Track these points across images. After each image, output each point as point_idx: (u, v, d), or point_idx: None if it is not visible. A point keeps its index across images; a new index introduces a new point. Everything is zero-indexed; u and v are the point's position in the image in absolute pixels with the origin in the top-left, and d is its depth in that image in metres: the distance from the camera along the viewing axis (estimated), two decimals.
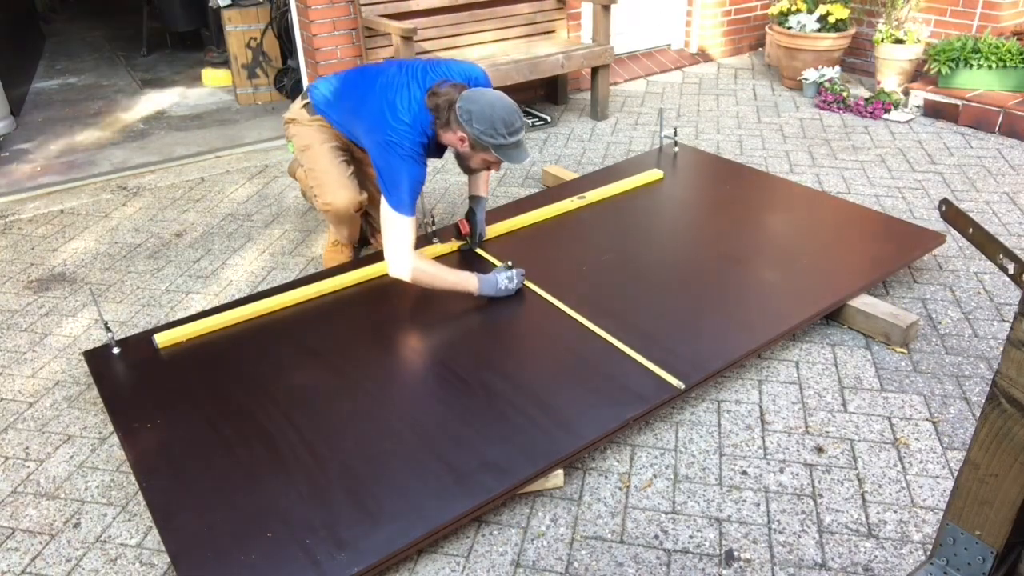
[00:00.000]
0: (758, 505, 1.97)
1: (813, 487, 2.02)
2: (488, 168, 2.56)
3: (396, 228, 2.42)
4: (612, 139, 4.31)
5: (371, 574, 1.71)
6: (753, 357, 2.44)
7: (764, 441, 2.17)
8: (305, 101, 2.80)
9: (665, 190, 3.34)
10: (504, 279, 2.56)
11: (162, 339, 2.42)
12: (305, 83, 4.48)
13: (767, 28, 5.16)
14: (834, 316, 2.62)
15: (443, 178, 3.87)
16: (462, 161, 2.53)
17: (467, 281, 2.53)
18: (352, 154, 2.88)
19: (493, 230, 2.96)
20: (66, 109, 5.02)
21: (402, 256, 2.46)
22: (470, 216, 2.85)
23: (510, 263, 2.65)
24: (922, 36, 4.53)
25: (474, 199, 2.86)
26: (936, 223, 3.25)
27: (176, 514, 1.84)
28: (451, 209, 3.55)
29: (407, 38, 3.73)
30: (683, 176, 3.49)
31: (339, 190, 2.77)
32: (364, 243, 3.18)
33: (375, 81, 2.54)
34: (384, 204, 2.43)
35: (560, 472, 2.01)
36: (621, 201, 3.24)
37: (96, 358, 2.41)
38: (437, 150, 2.54)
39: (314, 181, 2.81)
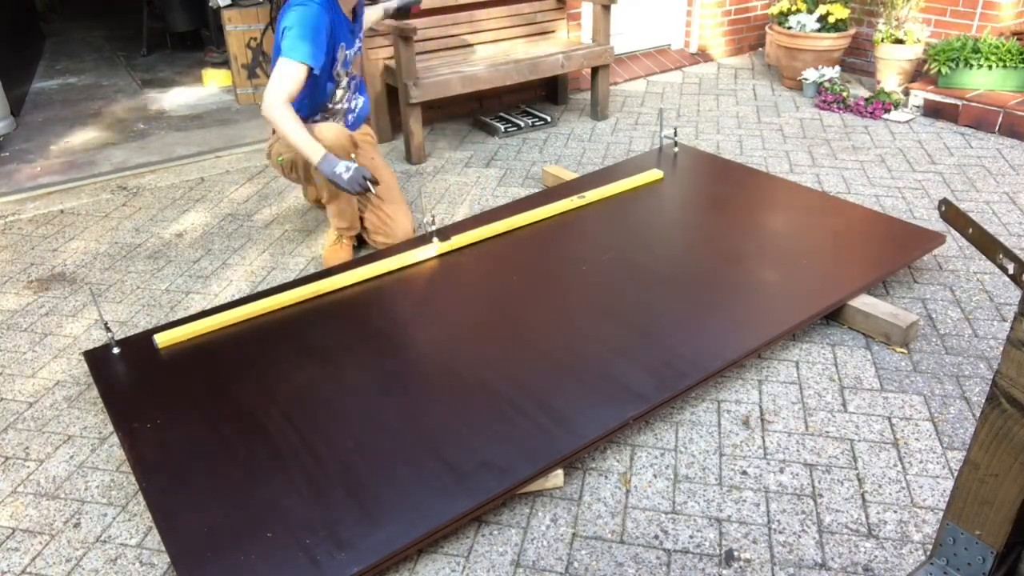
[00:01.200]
0: (758, 505, 1.97)
1: (813, 487, 2.02)
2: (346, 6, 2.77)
3: (282, 69, 2.60)
4: (612, 139, 4.31)
5: (371, 574, 1.71)
6: (753, 357, 2.44)
7: (764, 441, 2.17)
8: None
9: (665, 190, 3.34)
10: (342, 167, 2.63)
11: (162, 339, 2.42)
12: None
13: (767, 28, 5.16)
14: (834, 316, 2.62)
15: (443, 178, 3.88)
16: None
17: (314, 152, 2.63)
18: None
19: (492, 229, 2.96)
20: (66, 109, 5.02)
21: (276, 97, 2.59)
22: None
23: (352, 159, 2.85)
24: (922, 36, 4.54)
25: None
26: (936, 223, 3.25)
27: (176, 514, 1.84)
28: (451, 209, 3.55)
29: (407, 38, 3.73)
30: (683, 176, 3.49)
31: (325, 131, 2.74)
32: (363, 243, 3.18)
33: None
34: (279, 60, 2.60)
35: (560, 472, 2.01)
36: (621, 201, 3.24)
37: (96, 358, 2.41)
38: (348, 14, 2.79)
39: (300, 140, 2.70)
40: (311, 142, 2.62)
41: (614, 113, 4.69)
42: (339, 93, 2.96)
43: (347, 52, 2.88)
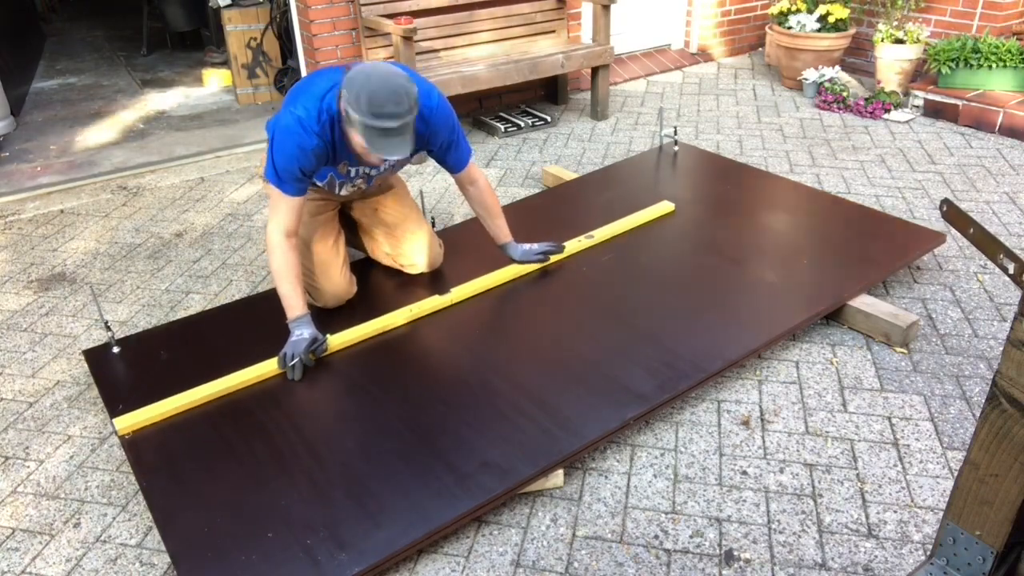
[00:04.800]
0: (758, 505, 1.97)
1: (813, 487, 2.02)
2: (367, 158, 2.26)
3: (273, 199, 2.28)
4: (612, 139, 4.31)
5: (372, 574, 1.71)
6: (753, 357, 2.44)
7: (764, 441, 2.17)
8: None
9: (665, 190, 3.33)
10: (297, 336, 2.29)
11: (121, 424, 2.13)
12: None
13: (767, 28, 5.16)
14: (834, 316, 2.62)
15: (443, 178, 3.87)
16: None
17: (289, 308, 2.31)
18: (340, 211, 2.67)
19: (496, 279, 2.71)
20: (66, 109, 5.02)
21: (274, 228, 2.28)
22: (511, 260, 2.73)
23: (546, 250, 2.73)
24: (922, 36, 4.53)
25: (503, 247, 2.70)
26: (936, 223, 3.25)
27: (176, 514, 1.84)
28: (451, 209, 3.55)
29: (407, 38, 3.73)
30: (683, 175, 3.49)
31: (329, 281, 2.53)
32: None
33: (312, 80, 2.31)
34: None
35: (560, 472, 2.01)
36: (621, 200, 3.24)
37: (96, 357, 2.41)
38: (342, 146, 2.29)
39: (281, 289, 2.37)
40: (292, 296, 2.30)
41: (614, 113, 4.69)
42: (350, 188, 2.55)
43: (357, 168, 2.44)
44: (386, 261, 2.79)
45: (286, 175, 2.22)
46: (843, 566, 1.80)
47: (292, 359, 2.26)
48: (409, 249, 2.72)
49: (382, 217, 2.71)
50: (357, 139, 2.16)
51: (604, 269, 2.76)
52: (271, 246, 2.29)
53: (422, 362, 2.36)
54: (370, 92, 2.04)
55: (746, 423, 2.23)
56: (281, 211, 2.27)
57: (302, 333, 2.30)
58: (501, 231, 2.67)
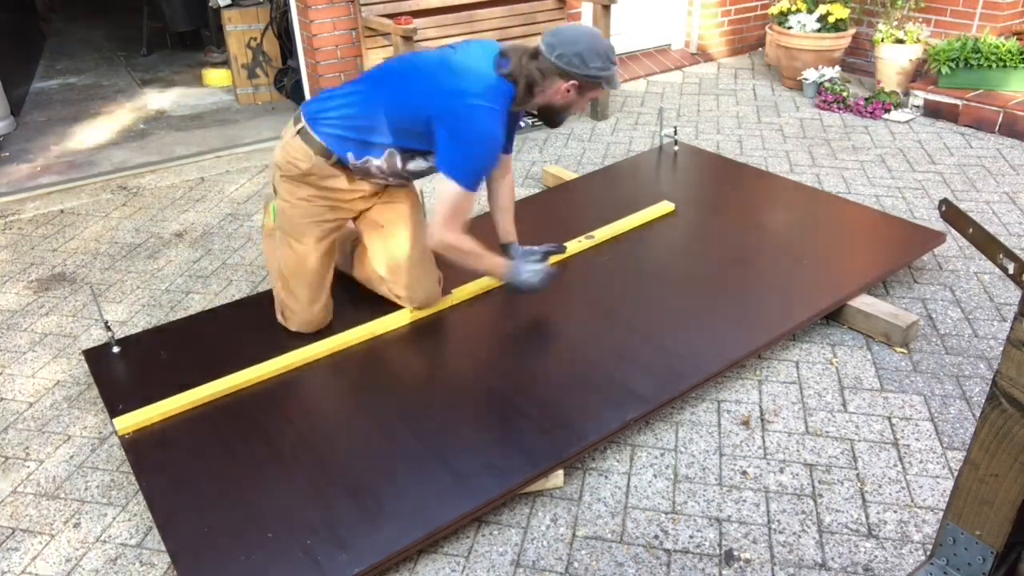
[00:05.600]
0: (758, 505, 1.97)
1: (813, 487, 2.02)
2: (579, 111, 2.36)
3: (454, 201, 2.18)
4: (612, 139, 4.31)
5: (371, 574, 1.71)
6: (753, 357, 2.43)
7: (764, 441, 2.17)
8: (299, 127, 2.27)
9: (665, 190, 3.33)
10: (527, 272, 2.41)
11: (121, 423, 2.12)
12: (305, 83, 4.48)
13: (767, 28, 5.16)
14: (834, 316, 2.62)
15: None
16: (556, 115, 2.30)
17: (496, 268, 2.40)
18: (338, 222, 2.42)
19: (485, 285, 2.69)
20: (66, 109, 5.01)
21: (447, 229, 2.22)
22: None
23: (547, 251, 2.63)
24: (922, 36, 4.53)
25: (506, 247, 2.61)
26: (936, 223, 3.25)
27: (176, 514, 1.84)
28: None
29: (407, 38, 3.73)
30: (683, 175, 3.49)
31: (309, 307, 2.41)
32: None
33: (413, 72, 2.22)
34: (444, 179, 2.17)
35: (560, 472, 2.01)
36: (621, 200, 3.24)
37: (96, 357, 2.41)
38: (510, 125, 2.30)
39: (283, 287, 2.40)
40: (492, 263, 2.38)
41: (614, 113, 4.69)
42: (381, 180, 2.39)
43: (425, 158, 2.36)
44: (381, 289, 2.55)
45: (493, 153, 2.22)
46: (843, 566, 1.80)
47: (537, 276, 2.40)
48: (408, 280, 2.47)
49: (383, 226, 2.46)
50: (590, 97, 2.26)
51: (604, 269, 2.76)
52: (455, 245, 2.24)
53: (423, 363, 2.36)
54: (603, 48, 2.15)
55: (746, 423, 2.23)
56: (464, 211, 2.21)
57: (524, 266, 2.41)
58: (510, 229, 2.64)
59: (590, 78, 2.16)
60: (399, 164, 2.27)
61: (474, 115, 2.12)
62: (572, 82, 2.16)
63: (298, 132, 2.27)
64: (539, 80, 2.16)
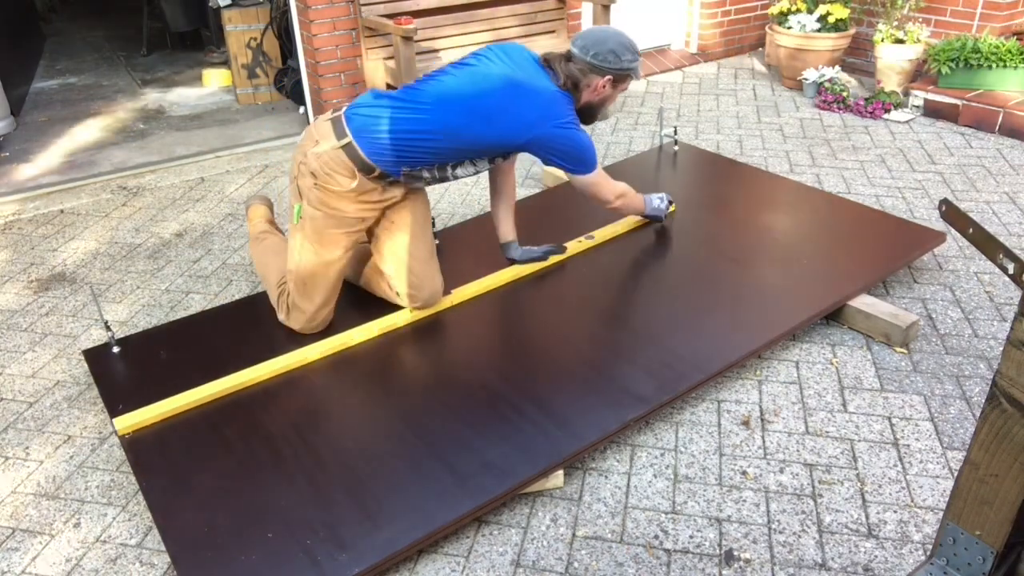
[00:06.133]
0: (758, 505, 1.97)
1: (813, 487, 2.02)
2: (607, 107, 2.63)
3: (601, 183, 2.55)
4: (612, 139, 4.31)
5: (371, 574, 1.71)
6: (753, 357, 2.44)
7: (764, 441, 2.17)
8: (345, 142, 2.22)
9: (665, 189, 3.33)
10: (656, 199, 2.93)
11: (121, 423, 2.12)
12: (305, 83, 4.48)
13: (767, 28, 5.16)
14: (834, 316, 2.62)
15: None
16: (596, 112, 2.54)
17: (641, 203, 2.84)
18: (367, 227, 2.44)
19: (496, 280, 2.71)
20: (66, 109, 5.02)
21: (612, 191, 2.60)
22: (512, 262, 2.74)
23: (547, 251, 2.79)
24: (922, 36, 4.53)
25: (505, 247, 2.73)
26: (936, 223, 3.25)
27: (176, 514, 1.84)
28: (451, 209, 3.55)
29: (407, 38, 3.73)
30: (683, 175, 3.49)
31: (320, 309, 2.43)
32: None
33: (488, 100, 2.26)
34: (579, 177, 2.49)
35: (560, 472, 2.01)
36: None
37: (96, 357, 2.42)
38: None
39: (298, 288, 2.40)
40: (639, 200, 2.81)
41: (614, 113, 4.69)
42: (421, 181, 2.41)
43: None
44: (380, 288, 2.58)
45: (594, 151, 2.50)
46: (843, 566, 1.80)
47: (664, 201, 2.97)
48: (411, 275, 2.47)
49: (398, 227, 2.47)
50: (621, 88, 2.48)
51: (604, 269, 2.76)
52: (622, 191, 2.64)
53: (423, 363, 2.36)
54: (620, 42, 2.37)
55: (746, 423, 2.23)
56: (604, 176, 2.56)
57: (654, 197, 2.97)
58: (511, 227, 2.74)
59: (623, 71, 2.39)
60: (449, 171, 2.38)
61: (566, 134, 2.36)
62: (607, 77, 2.39)
63: (343, 147, 2.23)
64: (581, 81, 2.38)
